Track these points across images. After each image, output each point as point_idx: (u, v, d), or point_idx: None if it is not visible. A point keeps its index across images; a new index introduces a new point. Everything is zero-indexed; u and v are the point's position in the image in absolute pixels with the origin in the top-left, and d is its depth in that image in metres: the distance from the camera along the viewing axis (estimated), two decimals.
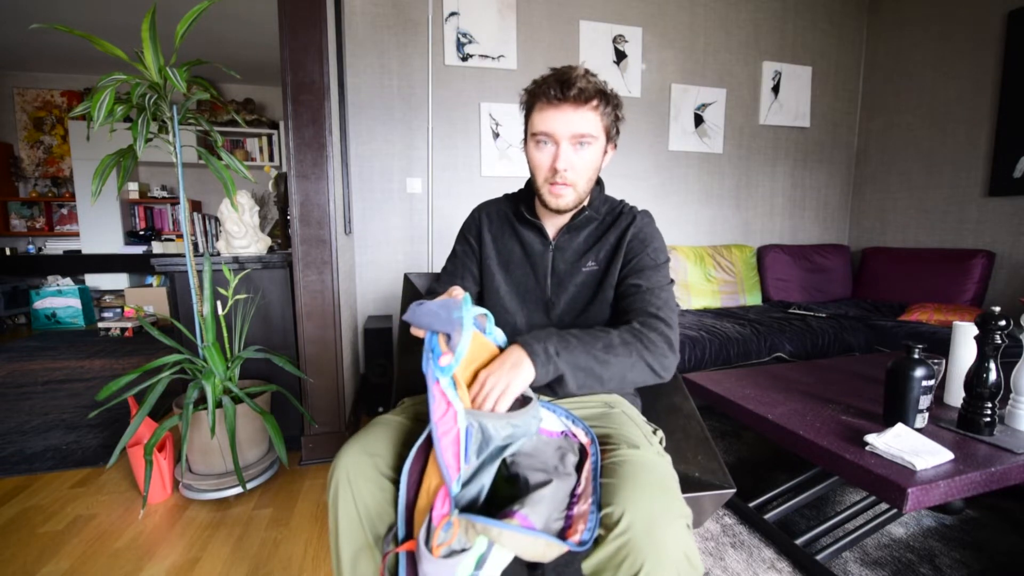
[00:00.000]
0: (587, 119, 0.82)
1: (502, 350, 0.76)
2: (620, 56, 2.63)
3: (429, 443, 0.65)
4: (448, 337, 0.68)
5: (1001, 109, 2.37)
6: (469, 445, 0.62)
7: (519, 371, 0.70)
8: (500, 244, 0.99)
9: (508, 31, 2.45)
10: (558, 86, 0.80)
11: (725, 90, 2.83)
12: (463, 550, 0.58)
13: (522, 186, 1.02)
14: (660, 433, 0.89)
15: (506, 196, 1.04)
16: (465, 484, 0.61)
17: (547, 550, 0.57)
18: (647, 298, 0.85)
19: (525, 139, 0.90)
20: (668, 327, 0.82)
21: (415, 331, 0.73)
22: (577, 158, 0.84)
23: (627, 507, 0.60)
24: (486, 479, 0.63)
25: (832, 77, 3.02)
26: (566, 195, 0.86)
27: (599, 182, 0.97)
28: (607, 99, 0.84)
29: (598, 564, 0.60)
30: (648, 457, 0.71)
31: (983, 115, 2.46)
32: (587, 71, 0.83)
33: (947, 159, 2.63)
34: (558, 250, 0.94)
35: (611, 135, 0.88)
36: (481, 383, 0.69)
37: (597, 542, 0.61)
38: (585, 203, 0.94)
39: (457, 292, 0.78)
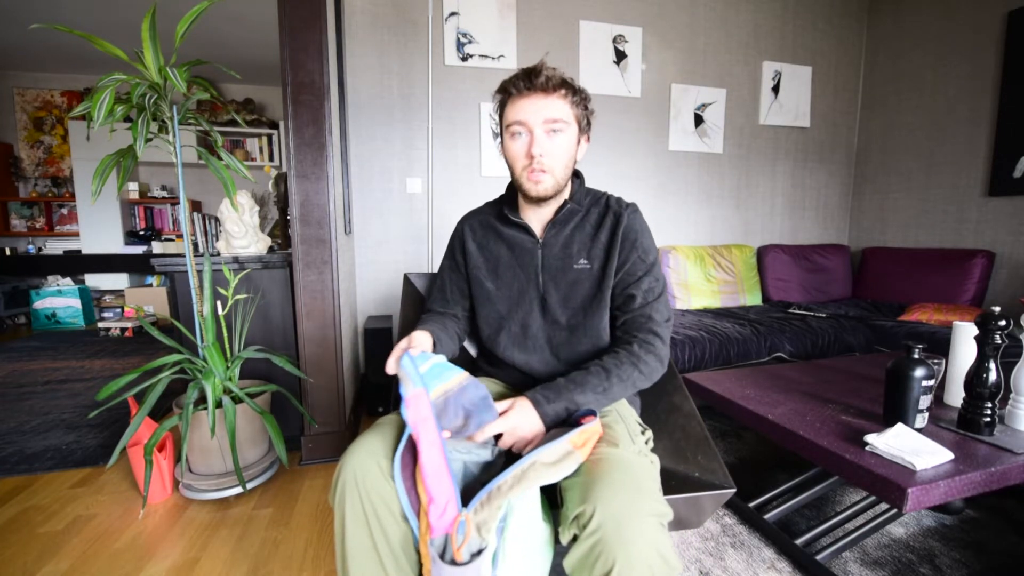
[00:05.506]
0: (557, 105, 0.85)
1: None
2: (620, 56, 2.63)
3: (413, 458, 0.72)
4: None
5: (1001, 109, 2.37)
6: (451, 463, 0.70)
7: (536, 430, 0.79)
8: (486, 252, 1.00)
9: (508, 31, 2.45)
10: (525, 77, 0.84)
11: (725, 90, 2.83)
12: (480, 551, 0.60)
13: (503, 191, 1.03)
14: (648, 433, 0.89)
15: (488, 204, 1.05)
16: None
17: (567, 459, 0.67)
18: (645, 311, 0.89)
19: (501, 137, 0.92)
20: (662, 342, 0.88)
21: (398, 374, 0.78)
22: (551, 144, 0.86)
23: (597, 505, 0.61)
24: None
25: (832, 77, 3.02)
26: (544, 181, 0.88)
27: (579, 175, 0.98)
28: (574, 89, 0.86)
29: (575, 562, 0.62)
30: (624, 456, 0.71)
31: (983, 115, 2.46)
32: (551, 67, 0.86)
33: (947, 159, 2.62)
34: (546, 246, 0.95)
35: (583, 126, 0.90)
36: (513, 444, 0.78)
37: (574, 540, 0.63)
38: (566, 196, 0.95)
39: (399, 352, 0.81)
